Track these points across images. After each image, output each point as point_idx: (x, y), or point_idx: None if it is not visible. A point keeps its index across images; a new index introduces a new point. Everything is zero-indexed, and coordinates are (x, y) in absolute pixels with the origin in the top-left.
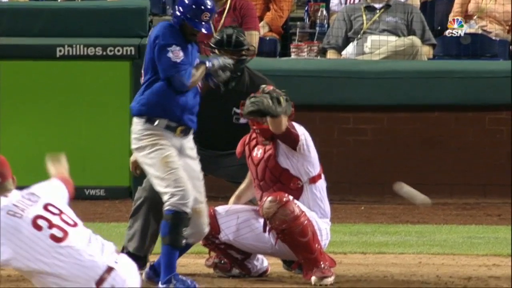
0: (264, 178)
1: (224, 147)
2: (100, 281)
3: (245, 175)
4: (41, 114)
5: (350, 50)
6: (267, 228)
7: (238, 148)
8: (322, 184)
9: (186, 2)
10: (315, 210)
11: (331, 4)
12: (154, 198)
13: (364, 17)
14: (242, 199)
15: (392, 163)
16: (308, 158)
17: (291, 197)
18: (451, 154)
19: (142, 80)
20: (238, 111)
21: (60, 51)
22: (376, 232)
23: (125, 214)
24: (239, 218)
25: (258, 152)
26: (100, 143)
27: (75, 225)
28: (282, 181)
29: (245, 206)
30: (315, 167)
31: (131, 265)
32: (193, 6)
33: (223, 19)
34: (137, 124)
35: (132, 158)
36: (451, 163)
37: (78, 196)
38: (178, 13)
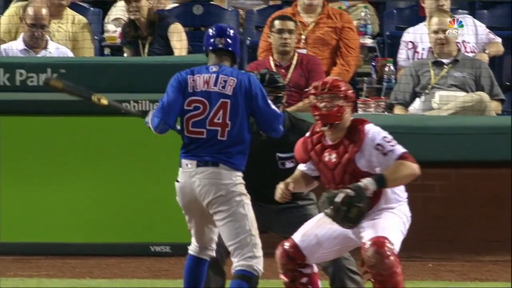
0: (343, 182)
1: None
2: None
3: None
4: (108, 171)
5: (417, 105)
6: (364, 270)
7: (301, 156)
8: None
9: (237, 40)
10: (393, 202)
11: (398, 59)
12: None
13: (432, 72)
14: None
15: (461, 219)
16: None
17: (393, 248)
18: None
19: (220, 130)
20: (282, 155)
21: (126, 107)
22: None
23: None
24: (317, 235)
25: (331, 157)
26: (166, 199)
27: None
28: None
29: (314, 221)
30: None
31: None
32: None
33: (289, 74)
34: (226, 171)
35: None
36: None
37: (144, 253)
38: (237, 55)
